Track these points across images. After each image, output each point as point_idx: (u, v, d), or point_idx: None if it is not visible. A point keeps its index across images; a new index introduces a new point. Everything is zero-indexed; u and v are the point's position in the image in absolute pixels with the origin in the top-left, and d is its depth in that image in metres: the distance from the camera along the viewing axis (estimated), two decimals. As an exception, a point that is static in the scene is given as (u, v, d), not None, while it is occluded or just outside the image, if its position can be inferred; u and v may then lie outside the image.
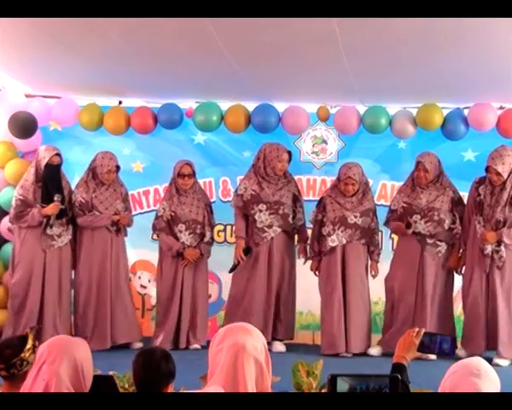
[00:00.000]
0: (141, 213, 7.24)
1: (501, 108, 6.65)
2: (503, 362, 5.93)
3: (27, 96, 7.04)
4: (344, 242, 6.27)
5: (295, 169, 6.71)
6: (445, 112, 6.66)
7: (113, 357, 5.60)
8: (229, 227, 7.23)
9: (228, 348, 2.52)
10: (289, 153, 6.45)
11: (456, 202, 6.30)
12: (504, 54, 5.18)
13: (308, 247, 6.52)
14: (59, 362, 2.64)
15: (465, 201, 6.36)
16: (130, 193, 6.83)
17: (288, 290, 6.45)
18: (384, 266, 6.49)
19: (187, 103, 7.00)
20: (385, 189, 7.21)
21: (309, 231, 6.58)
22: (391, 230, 6.60)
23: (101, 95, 6.96)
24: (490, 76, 5.74)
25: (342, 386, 2.51)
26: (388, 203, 6.83)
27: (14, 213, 6.34)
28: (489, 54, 5.19)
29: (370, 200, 6.44)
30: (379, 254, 6.45)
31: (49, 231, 6.28)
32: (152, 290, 7.24)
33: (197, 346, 6.38)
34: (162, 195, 7.24)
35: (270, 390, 2.56)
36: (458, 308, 6.55)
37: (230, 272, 6.38)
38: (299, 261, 6.56)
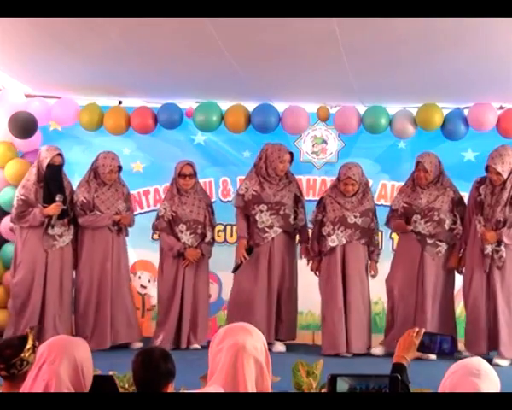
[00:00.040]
0: (141, 213, 7.24)
1: (501, 108, 6.65)
2: (503, 362, 5.93)
3: (27, 96, 7.04)
4: (344, 242, 6.27)
5: (295, 169, 6.71)
6: (445, 112, 6.66)
7: (113, 357, 5.60)
8: (229, 227, 7.23)
9: (228, 348, 2.52)
10: (291, 154, 6.45)
11: (457, 202, 6.30)
12: (504, 54, 5.17)
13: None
14: (59, 362, 2.64)
15: (465, 201, 6.36)
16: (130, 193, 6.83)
17: (289, 291, 6.45)
18: (384, 266, 6.49)
19: (187, 103, 7.00)
20: (385, 189, 7.21)
21: (309, 232, 6.58)
22: (391, 229, 6.59)
23: (101, 95, 6.96)
24: (490, 76, 5.74)
25: (342, 386, 2.51)
26: (388, 203, 6.84)
27: (15, 213, 6.34)
28: (489, 54, 5.19)
29: (370, 200, 6.44)
30: (378, 254, 6.45)
31: (50, 231, 6.29)
32: (152, 290, 7.24)
33: (197, 346, 6.39)
34: (162, 195, 7.24)
35: (270, 390, 2.56)
36: (459, 306, 6.55)
37: (234, 272, 6.38)
38: (300, 262, 6.55)
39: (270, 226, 6.35)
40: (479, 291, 6.06)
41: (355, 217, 6.30)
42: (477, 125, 6.59)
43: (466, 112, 6.64)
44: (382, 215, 6.51)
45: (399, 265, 6.36)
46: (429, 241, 6.21)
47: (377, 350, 6.26)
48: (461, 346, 6.18)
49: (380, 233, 6.84)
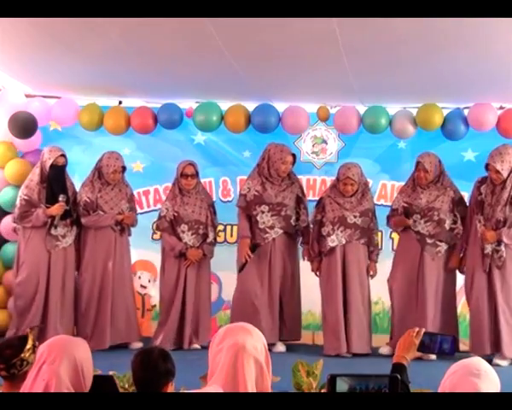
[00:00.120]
0: (141, 213, 7.23)
1: (501, 108, 6.65)
2: (503, 362, 5.93)
3: (27, 96, 7.04)
4: (343, 242, 6.27)
5: (295, 169, 6.71)
6: (445, 112, 6.66)
7: (113, 357, 5.60)
8: (229, 227, 7.24)
9: (228, 348, 2.52)
10: (293, 155, 6.45)
11: (457, 201, 6.30)
12: (504, 54, 5.17)
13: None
14: (59, 362, 2.64)
15: (466, 200, 6.36)
16: (130, 193, 6.84)
17: (291, 292, 6.45)
18: (384, 265, 6.49)
19: (187, 103, 7.01)
20: (385, 189, 7.21)
21: (311, 232, 6.58)
22: (392, 227, 6.57)
23: (101, 95, 6.96)
24: (490, 76, 5.74)
25: (342, 386, 2.51)
26: (388, 203, 6.85)
27: (18, 213, 6.34)
28: (489, 54, 5.19)
29: (370, 200, 6.44)
30: (378, 254, 6.44)
31: (53, 232, 6.29)
32: (152, 290, 7.25)
33: (197, 346, 6.39)
34: (162, 195, 7.25)
35: (270, 390, 2.56)
36: (461, 302, 6.54)
37: (240, 271, 6.35)
38: (300, 262, 6.55)
39: (271, 227, 6.35)
40: (480, 291, 6.05)
41: (354, 217, 6.30)
42: (477, 125, 6.59)
43: (466, 112, 6.64)
44: (382, 215, 6.51)
45: (400, 265, 6.36)
46: (429, 241, 6.21)
47: (384, 350, 6.25)
48: (462, 346, 6.19)
49: (380, 233, 6.85)
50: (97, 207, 6.40)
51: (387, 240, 7.08)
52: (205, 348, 4.74)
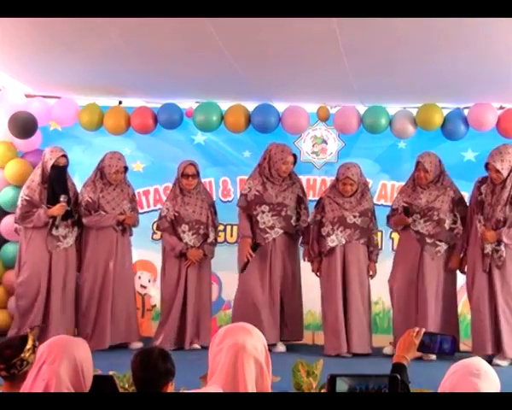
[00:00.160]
0: (141, 213, 7.23)
1: (501, 108, 6.65)
2: (503, 362, 5.93)
3: (27, 96, 7.04)
4: (343, 242, 6.27)
5: (295, 169, 6.71)
6: (445, 112, 6.66)
7: (113, 357, 5.60)
8: (229, 227, 7.24)
9: (228, 348, 2.52)
10: (294, 155, 6.45)
11: (457, 201, 6.30)
12: (504, 54, 5.18)
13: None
14: (59, 362, 2.64)
15: (466, 200, 6.36)
16: (131, 193, 6.83)
17: (292, 292, 6.44)
18: (384, 265, 6.49)
19: (187, 103, 7.01)
20: (385, 189, 7.21)
21: (312, 233, 6.57)
22: (392, 226, 6.57)
23: (101, 95, 6.96)
24: (490, 76, 5.74)
25: (341, 386, 2.51)
26: (388, 203, 6.85)
27: (19, 214, 6.34)
28: (489, 54, 5.20)
29: (369, 200, 6.44)
30: (377, 254, 6.44)
31: (54, 232, 6.29)
32: (152, 290, 7.25)
33: (197, 346, 6.40)
34: (162, 195, 7.26)
35: (270, 390, 2.56)
36: (461, 302, 6.54)
37: (242, 271, 6.35)
38: (301, 262, 6.55)
39: (272, 227, 6.35)
40: (481, 291, 6.05)
41: (354, 217, 6.30)
42: (477, 125, 6.59)
43: (466, 112, 6.64)
44: (382, 215, 6.51)
45: (400, 265, 6.36)
46: (428, 240, 6.21)
47: (388, 350, 6.24)
48: (462, 346, 6.19)
49: (380, 233, 6.85)
50: (99, 207, 6.40)
51: (387, 240, 7.08)
52: (205, 348, 4.75)
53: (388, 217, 6.47)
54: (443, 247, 6.23)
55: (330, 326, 6.26)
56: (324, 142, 7.30)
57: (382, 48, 5.15)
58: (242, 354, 2.50)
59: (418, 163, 6.28)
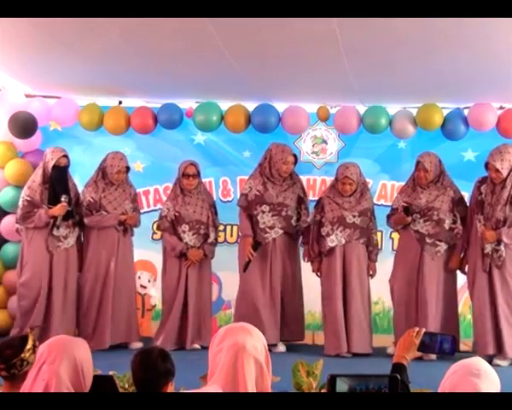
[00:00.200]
0: (141, 213, 7.24)
1: (501, 108, 6.65)
2: (503, 362, 5.93)
3: (27, 96, 7.04)
4: (343, 242, 6.27)
5: (295, 169, 6.71)
6: (445, 112, 6.66)
7: (113, 357, 5.60)
8: (229, 227, 7.24)
9: (228, 348, 2.52)
10: (295, 156, 6.45)
11: (457, 201, 6.29)
12: (504, 54, 5.18)
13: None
14: (59, 362, 2.64)
15: (466, 200, 6.36)
16: (131, 193, 6.83)
17: (292, 292, 6.44)
18: (384, 265, 6.49)
19: (187, 103, 7.01)
20: (385, 189, 7.21)
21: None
22: (392, 226, 6.56)
23: (101, 95, 6.96)
24: (490, 76, 5.74)
25: (341, 386, 2.50)
26: (388, 203, 6.85)
27: (20, 214, 6.34)
28: (489, 54, 5.19)
29: (368, 199, 6.43)
30: (377, 254, 6.43)
31: (55, 232, 6.30)
32: (152, 290, 7.25)
33: (197, 346, 6.40)
34: (162, 195, 7.26)
35: (270, 390, 2.56)
36: (461, 302, 6.54)
37: (244, 270, 6.33)
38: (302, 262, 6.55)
39: (272, 227, 6.35)
40: (482, 291, 6.05)
41: (353, 217, 6.30)
42: (477, 125, 6.59)
43: (466, 112, 6.64)
44: (382, 215, 6.51)
45: (400, 265, 6.36)
46: (428, 240, 6.21)
47: (391, 350, 6.22)
48: (462, 346, 6.19)
49: (380, 233, 6.84)
50: (101, 207, 6.40)
51: (387, 240, 7.08)
52: (205, 348, 4.75)
53: (388, 216, 6.47)
54: (443, 247, 6.23)
55: (330, 326, 6.26)
56: (324, 142, 7.30)
57: (382, 48, 5.15)
58: (242, 354, 2.50)
59: (418, 163, 6.28)
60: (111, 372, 3.78)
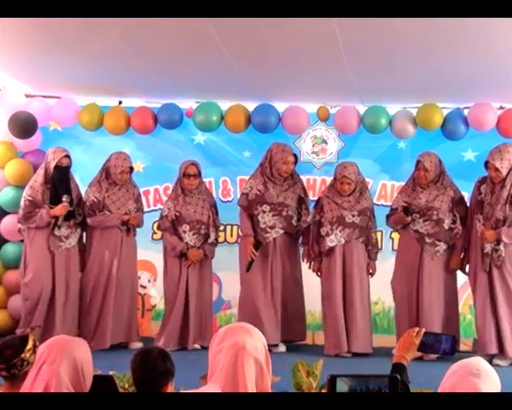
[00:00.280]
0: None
1: (501, 108, 6.65)
2: (503, 362, 5.93)
3: (27, 96, 7.04)
4: (343, 241, 6.27)
5: (296, 169, 6.71)
6: (445, 112, 6.66)
7: (113, 357, 5.60)
8: (229, 227, 7.24)
9: (228, 348, 2.52)
10: (295, 155, 6.45)
11: (457, 201, 6.29)
12: (504, 54, 5.18)
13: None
14: (59, 362, 2.64)
15: (466, 200, 6.36)
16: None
17: (293, 292, 6.44)
18: (384, 265, 6.49)
19: (187, 103, 7.01)
20: (385, 189, 7.21)
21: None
22: (391, 225, 6.56)
23: (101, 95, 6.96)
24: (490, 76, 5.74)
25: (342, 387, 2.50)
26: (388, 203, 6.85)
27: (22, 214, 6.35)
28: (489, 54, 5.19)
29: (368, 199, 6.43)
30: (376, 252, 6.42)
31: (57, 232, 6.30)
32: (152, 290, 7.25)
33: (197, 346, 6.40)
34: (162, 195, 7.26)
35: (270, 390, 2.56)
36: (461, 302, 6.54)
37: (247, 270, 6.32)
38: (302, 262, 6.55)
39: (272, 227, 6.35)
40: (482, 291, 6.05)
41: (353, 216, 6.29)
42: (477, 125, 6.59)
43: (466, 112, 6.64)
44: (382, 215, 6.51)
45: (401, 265, 6.36)
46: (428, 240, 6.20)
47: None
48: (462, 346, 6.19)
49: (380, 233, 6.84)
50: (104, 207, 6.40)
51: (387, 240, 7.08)
52: (205, 348, 4.75)
53: (388, 216, 6.47)
54: (442, 247, 6.22)
55: (330, 326, 6.26)
56: (324, 142, 7.30)
57: (382, 48, 5.15)
58: (242, 354, 2.50)
59: (418, 162, 6.28)
60: (111, 372, 3.78)
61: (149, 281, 7.30)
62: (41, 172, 6.42)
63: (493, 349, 5.98)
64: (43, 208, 6.29)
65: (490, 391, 2.34)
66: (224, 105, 6.90)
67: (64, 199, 6.24)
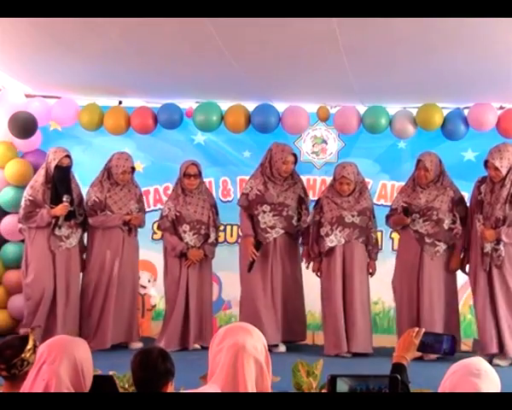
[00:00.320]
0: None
1: (501, 108, 6.65)
2: (503, 362, 5.93)
3: (27, 96, 7.04)
4: (342, 242, 6.26)
5: (296, 169, 6.71)
6: (445, 112, 6.66)
7: (113, 357, 5.60)
8: (229, 227, 7.24)
9: (228, 348, 2.52)
10: (295, 155, 6.45)
11: (457, 201, 6.29)
12: (504, 54, 5.18)
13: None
14: (59, 362, 2.64)
15: (466, 200, 6.36)
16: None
17: (293, 292, 6.44)
18: (384, 265, 6.49)
19: (187, 103, 7.01)
20: (385, 189, 7.22)
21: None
22: (391, 226, 6.56)
23: (101, 95, 6.96)
24: (490, 76, 5.74)
25: (342, 387, 2.50)
26: (388, 203, 6.85)
27: (23, 214, 6.35)
28: (489, 54, 5.19)
29: (367, 198, 6.43)
30: (377, 252, 6.42)
31: (57, 232, 6.30)
32: (152, 290, 7.25)
33: (197, 346, 6.40)
34: (162, 195, 7.26)
35: (270, 390, 2.56)
36: (461, 302, 6.54)
37: (249, 271, 6.31)
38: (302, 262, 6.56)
39: (272, 227, 6.35)
40: (482, 291, 6.04)
41: (352, 216, 6.29)
42: (477, 125, 6.59)
43: (466, 112, 6.64)
44: (382, 215, 6.50)
45: (401, 265, 6.36)
46: (428, 240, 6.20)
47: None
48: (462, 346, 6.19)
49: (380, 233, 6.84)
50: (106, 207, 6.40)
51: (387, 240, 7.08)
52: (205, 348, 4.75)
53: (387, 217, 6.47)
54: (442, 247, 6.22)
55: (330, 326, 6.26)
56: (324, 142, 7.30)
57: (382, 48, 5.15)
58: (242, 354, 2.50)
59: (419, 162, 6.27)
60: (111, 372, 3.78)
61: (149, 281, 7.30)
62: (42, 172, 6.42)
63: (493, 349, 5.98)
64: (43, 208, 6.29)
65: (490, 391, 2.34)
66: (224, 105, 6.90)
67: (64, 199, 6.24)
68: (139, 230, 6.70)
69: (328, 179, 6.99)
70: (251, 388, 2.47)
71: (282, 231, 6.37)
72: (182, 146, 7.32)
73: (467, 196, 6.42)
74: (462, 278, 6.43)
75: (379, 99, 6.68)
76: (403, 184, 6.57)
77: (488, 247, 5.98)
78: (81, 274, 6.52)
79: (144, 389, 2.80)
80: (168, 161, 7.18)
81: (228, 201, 7.28)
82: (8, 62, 6.24)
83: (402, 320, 6.26)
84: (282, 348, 6.34)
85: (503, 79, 5.81)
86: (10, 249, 6.94)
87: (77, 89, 6.80)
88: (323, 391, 4.19)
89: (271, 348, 5.61)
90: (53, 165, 6.32)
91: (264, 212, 6.35)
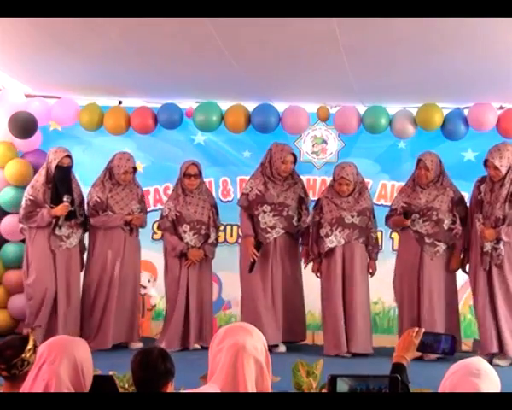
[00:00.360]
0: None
1: (501, 108, 6.66)
2: (503, 362, 5.93)
3: (27, 96, 7.04)
4: (342, 242, 6.26)
5: (296, 169, 6.71)
6: (445, 112, 6.66)
7: (113, 357, 5.61)
8: (228, 227, 7.24)
9: (228, 348, 2.52)
10: (294, 155, 6.44)
11: (457, 201, 6.29)
12: (504, 54, 5.18)
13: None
14: (59, 362, 2.64)
15: (466, 200, 6.36)
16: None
17: (293, 293, 6.44)
18: (384, 265, 6.49)
19: (187, 103, 7.01)
20: (385, 189, 7.22)
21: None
22: (390, 226, 6.56)
23: (101, 95, 6.96)
24: (490, 76, 5.74)
25: (342, 387, 2.51)
26: (388, 203, 6.84)
27: (23, 213, 6.35)
28: (489, 54, 5.20)
29: (367, 199, 6.42)
30: (377, 252, 6.42)
31: (57, 232, 6.30)
32: (152, 290, 7.25)
33: (197, 346, 6.40)
34: (162, 195, 7.26)
35: (270, 390, 2.56)
36: (461, 302, 6.54)
37: (250, 271, 6.31)
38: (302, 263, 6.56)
39: (273, 227, 6.35)
40: (482, 290, 6.04)
41: (352, 216, 6.29)
42: (477, 125, 6.59)
43: (466, 112, 6.64)
44: (382, 215, 6.50)
45: (401, 265, 6.35)
46: (427, 240, 6.20)
47: None
48: (462, 346, 6.19)
49: (380, 233, 6.84)
50: (107, 207, 6.40)
51: (387, 240, 7.08)
52: (205, 348, 4.76)
53: (387, 217, 6.46)
54: (442, 247, 6.22)
55: (330, 326, 6.25)
56: (324, 142, 7.30)
57: (382, 48, 5.15)
58: (242, 354, 2.50)
59: (419, 161, 6.27)
60: (111, 372, 3.78)
61: (149, 281, 7.30)
62: (42, 171, 6.42)
63: (494, 348, 5.98)
64: (44, 208, 6.29)
65: (490, 391, 2.34)
66: (224, 105, 6.90)
67: (65, 199, 6.24)
68: (140, 230, 6.71)
69: (329, 179, 6.98)
70: (251, 388, 2.47)
71: (283, 231, 6.37)
72: (182, 146, 7.32)
73: (467, 196, 6.43)
74: (462, 278, 6.44)
75: (379, 99, 6.68)
76: (403, 184, 6.57)
77: (488, 246, 5.98)
78: (81, 274, 6.51)
79: (144, 389, 2.81)
80: (168, 160, 7.18)
81: (228, 201, 7.28)
82: (8, 62, 6.24)
83: (403, 320, 6.26)
84: (282, 349, 6.34)
85: (503, 79, 5.81)
86: (10, 249, 6.95)
87: (77, 89, 6.80)
88: (323, 391, 4.19)
89: (271, 348, 5.61)
90: (53, 165, 6.32)
91: (265, 212, 6.34)
